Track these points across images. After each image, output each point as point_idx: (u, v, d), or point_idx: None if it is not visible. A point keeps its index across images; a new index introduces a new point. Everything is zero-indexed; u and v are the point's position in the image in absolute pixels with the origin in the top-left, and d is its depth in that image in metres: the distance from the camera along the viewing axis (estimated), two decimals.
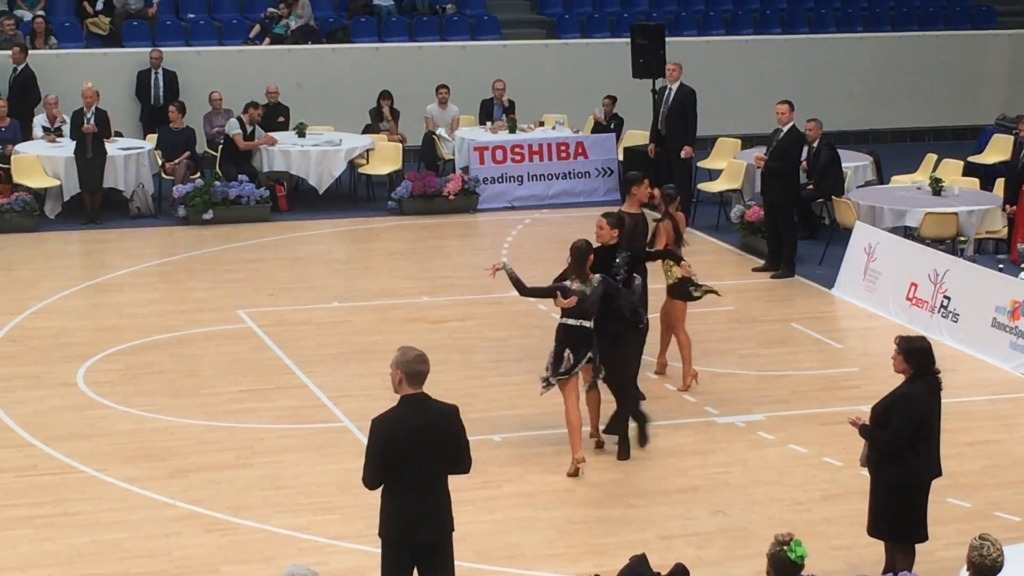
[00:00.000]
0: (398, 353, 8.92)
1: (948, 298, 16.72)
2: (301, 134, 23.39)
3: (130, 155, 22.21)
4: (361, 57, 26.52)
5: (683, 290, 14.65)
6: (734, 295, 18.21)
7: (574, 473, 12.78)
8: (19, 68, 24.09)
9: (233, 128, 22.62)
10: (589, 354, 12.72)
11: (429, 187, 22.66)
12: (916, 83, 29.05)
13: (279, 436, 13.67)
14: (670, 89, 21.95)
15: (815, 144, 20.29)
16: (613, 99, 24.48)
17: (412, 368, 8.88)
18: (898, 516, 10.21)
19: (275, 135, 23.20)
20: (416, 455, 8.85)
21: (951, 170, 21.49)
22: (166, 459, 13.08)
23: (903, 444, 10.04)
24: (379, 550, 9.13)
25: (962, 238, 18.82)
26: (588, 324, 12.70)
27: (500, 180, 23.43)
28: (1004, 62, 29.66)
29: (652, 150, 22.14)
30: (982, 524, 11.44)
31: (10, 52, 24.14)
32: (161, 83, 24.77)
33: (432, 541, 9.01)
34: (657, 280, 14.88)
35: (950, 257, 17.29)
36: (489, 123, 24.51)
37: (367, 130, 24.44)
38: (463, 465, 9.11)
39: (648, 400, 14.35)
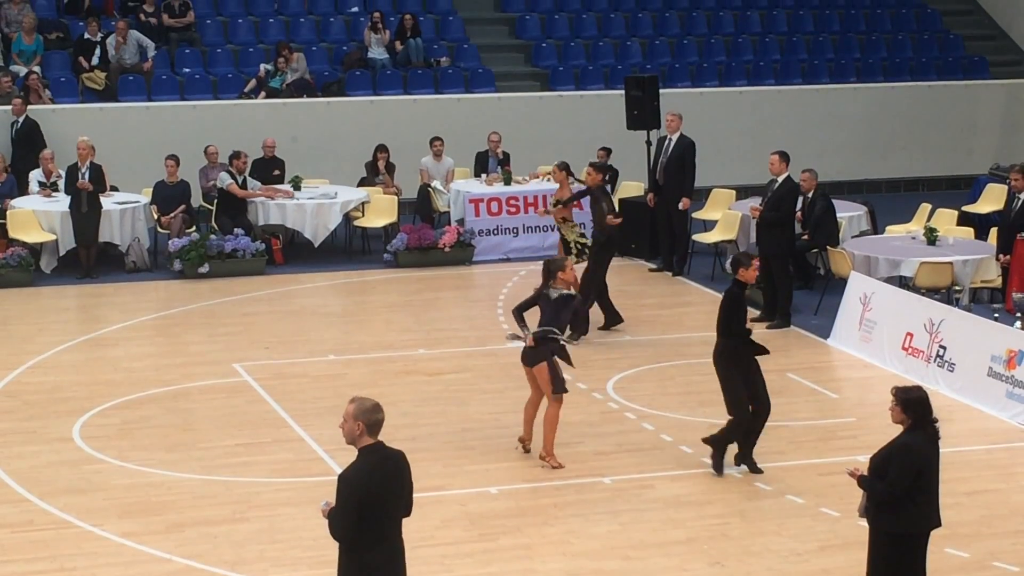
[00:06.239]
0: (353, 405, 8.93)
1: (944, 347, 16.72)
2: (297, 187, 23.42)
3: (126, 209, 22.24)
4: (356, 110, 26.61)
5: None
6: None
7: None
8: (20, 120, 24.16)
9: (225, 180, 22.65)
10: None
11: (424, 239, 22.69)
12: (910, 133, 29.15)
13: (276, 490, 13.63)
14: (670, 139, 22.03)
15: (810, 195, 20.33)
16: (608, 151, 24.53)
17: (373, 418, 8.94)
18: (897, 566, 10.17)
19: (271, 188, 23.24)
20: (386, 505, 8.93)
21: (945, 220, 21.52)
22: (162, 513, 13.04)
23: (902, 494, 10.02)
24: None
25: (957, 287, 18.81)
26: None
27: (495, 232, 23.46)
28: (997, 112, 29.77)
29: (651, 199, 22.21)
30: (980, 574, 11.42)
31: (9, 106, 24.22)
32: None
33: None
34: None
35: (945, 307, 17.26)
36: (484, 175, 24.55)
37: (362, 183, 24.48)
38: (410, 510, 9.22)
39: (645, 450, 14.39)
